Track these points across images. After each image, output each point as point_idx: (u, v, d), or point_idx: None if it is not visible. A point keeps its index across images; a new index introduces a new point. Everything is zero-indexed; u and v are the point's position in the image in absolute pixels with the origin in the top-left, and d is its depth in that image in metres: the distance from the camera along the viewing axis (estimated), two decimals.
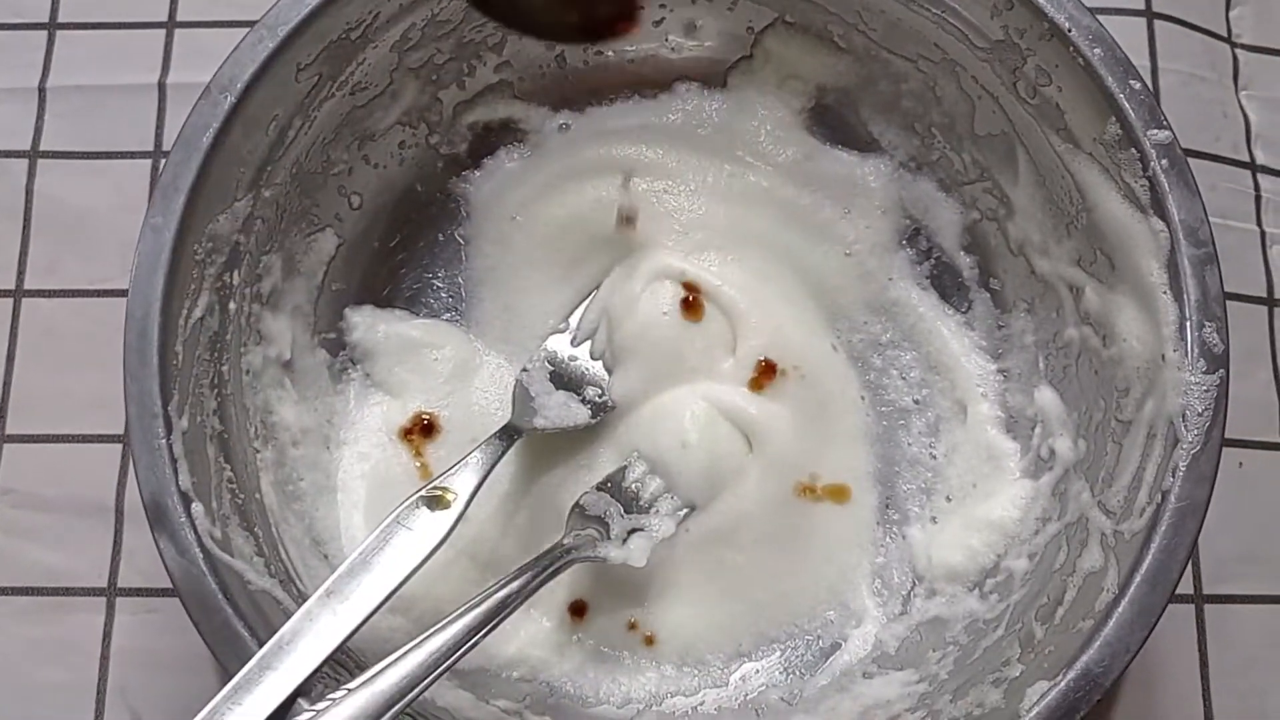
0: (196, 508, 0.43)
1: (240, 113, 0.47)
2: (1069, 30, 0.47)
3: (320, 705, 0.41)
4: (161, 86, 0.60)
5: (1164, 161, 0.45)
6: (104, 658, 0.53)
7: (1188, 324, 0.44)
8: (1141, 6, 0.61)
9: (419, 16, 0.52)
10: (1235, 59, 0.63)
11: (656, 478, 0.53)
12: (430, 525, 0.47)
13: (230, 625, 0.41)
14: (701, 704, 0.51)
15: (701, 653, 0.52)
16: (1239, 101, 0.62)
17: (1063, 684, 0.40)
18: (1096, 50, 0.46)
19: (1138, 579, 0.41)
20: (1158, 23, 0.61)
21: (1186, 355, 0.43)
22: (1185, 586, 0.54)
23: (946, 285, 0.57)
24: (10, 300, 0.57)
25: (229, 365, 0.49)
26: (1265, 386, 0.57)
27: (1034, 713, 0.40)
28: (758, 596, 0.53)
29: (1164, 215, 0.45)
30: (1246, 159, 0.61)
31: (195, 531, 0.43)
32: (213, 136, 0.46)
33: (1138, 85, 0.46)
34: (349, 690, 0.41)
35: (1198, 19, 0.62)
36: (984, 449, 0.53)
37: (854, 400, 0.56)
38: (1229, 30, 0.63)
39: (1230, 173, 0.60)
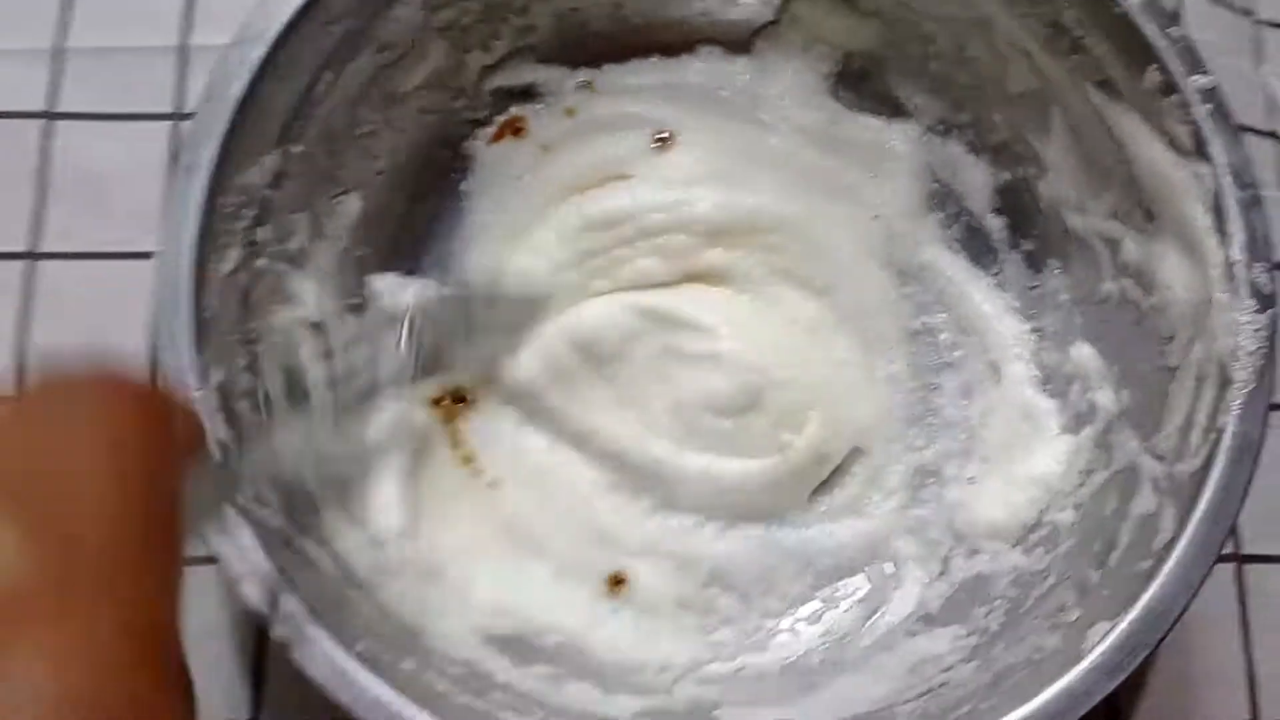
0: None
1: (270, 63, 0.46)
2: None
3: None
4: (183, 49, 0.59)
5: (1207, 106, 0.45)
6: None
7: (1237, 265, 0.43)
8: None
9: None
10: (1257, 34, 0.63)
11: None
12: None
13: None
14: (742, 669, 0.50)
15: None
16: (1262, 75, 0.62)
17: (1125, 623, 0.40)
18: None
19: (1197, 516, 0.41)
20: None
21: (1236, 295, 0.43)
22: (1225, 547, 0.53)
23: (977, 248, 0.57)
24: (24, 263, 0.55)
25: (258, 323, 0.48)
26: None
27: (1097, 651, 0.39)
28: None
29: (1208, 158, 0.44)
30: (1269, 130, 0.61)
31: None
32: (243, 87, 0.45)
33: (1176, 32, 0.46)
34: None
35: None
36: (1020, 408, 0.53)
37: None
38: (1249, 5, 0.64)
39: (1256, 142, 0.60)
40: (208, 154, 0.44)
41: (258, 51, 0.46)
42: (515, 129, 0.58)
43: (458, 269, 0.57)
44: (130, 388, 0.25)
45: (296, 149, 0.49)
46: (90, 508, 0.21)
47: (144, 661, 0.21)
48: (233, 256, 0.46)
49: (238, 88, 0.45)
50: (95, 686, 0.19)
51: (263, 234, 0.48)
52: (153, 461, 0.24)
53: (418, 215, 0.57)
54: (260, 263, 0.48)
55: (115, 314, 0.54)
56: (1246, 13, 0.64)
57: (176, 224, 0.44)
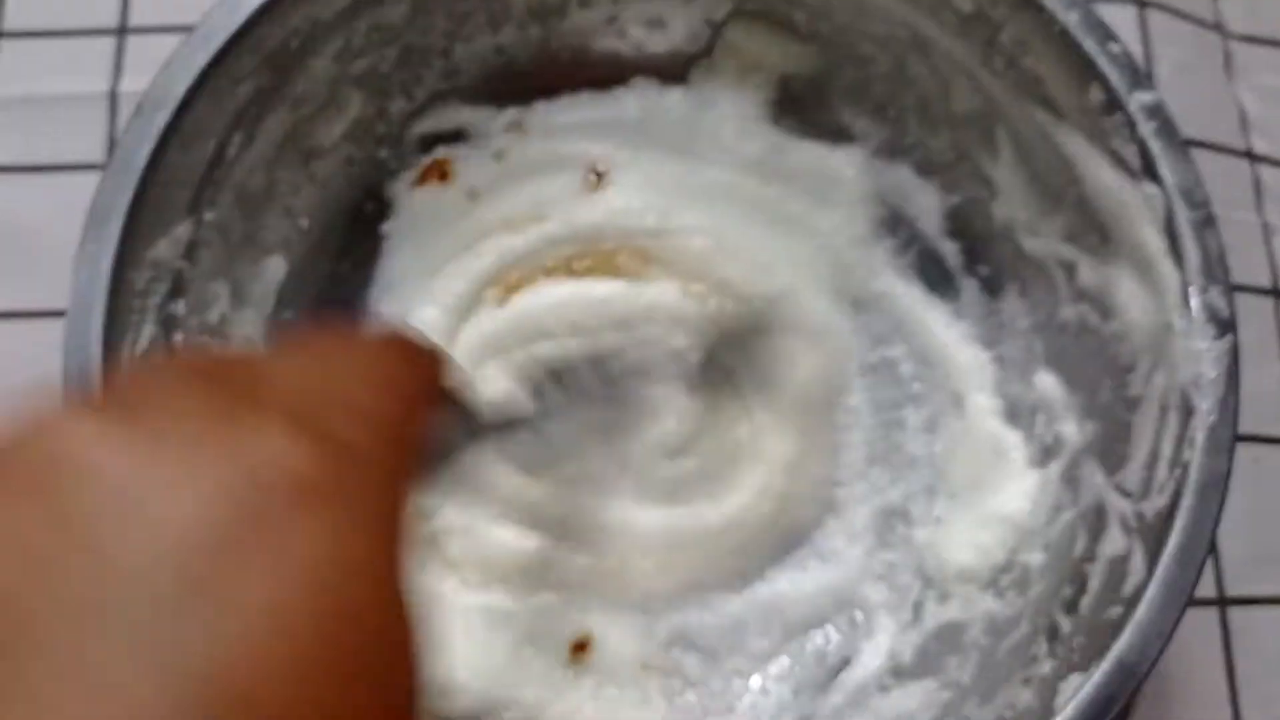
0: None
1: (175, 130, 0.43)
2: None
3: None
4: (113, 95, 0.57)
5: (1152, 124, 0.43)
6: None
7: (1192, 288, 0.41)
8: None
9: (362, 22, 0.49)
10: (1226, 48, 0.61)
11: None
12: None
13: None
14: None
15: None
16: (1232, 91, 0.60)
17: (1097, 676, 0.37)
18: (1072, 15, 0.44)
19: (1165, 557, 0.38)
20: (1149, 11, 0.59)
21: (1193, 322, 0.41)
22: (1207, 589, 0.51)
23: (932, 275, 0.54)
24: None
25: None
26: (1277, 380, 0.55)
27: (1069, 709, 0.37)
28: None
29: (1157, 179, 0.42)
30: (1244, 148, 0.59)
31: None
32: (147, 156, 0.43)
33: (1117, 48, 0.44)
34: None
35: (1187, 7, 0.61)
36: (985, 442, 0.51)
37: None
38: (1218, 19, 0.62)
39: (1229, 162, 0.58)
40: (112, 231, 0.42)
41: (160, 119, 0.43)
42: (441, 173, 0.55)
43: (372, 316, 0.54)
44: (403, 340, 0.30)
45: (210, 216, 0.47)
46: (364, 427, 0.25)
47: (399, 547, 0.24)
48: (147, 333, 0.44)
49: (140, 159, 0.43)
50: (368, 555, 0.23)
51: (179, 307, 0.46)
52: (416, 401, 0.28)
53: (344, 270, 0.55)
54: (178, 337, 0.46)
55: (38, 374, 0.51)
56: (1217, 28, 0.62)
57: (82, 307, 0.41)
